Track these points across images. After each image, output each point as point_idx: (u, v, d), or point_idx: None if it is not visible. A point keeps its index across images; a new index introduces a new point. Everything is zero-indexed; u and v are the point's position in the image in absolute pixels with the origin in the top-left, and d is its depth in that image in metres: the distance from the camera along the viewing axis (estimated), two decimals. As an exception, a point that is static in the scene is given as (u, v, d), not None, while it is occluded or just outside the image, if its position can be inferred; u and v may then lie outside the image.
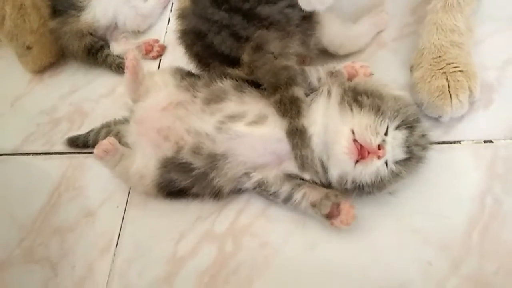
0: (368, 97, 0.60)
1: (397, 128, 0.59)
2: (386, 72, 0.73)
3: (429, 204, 0.63)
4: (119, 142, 0.76)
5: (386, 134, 0.58)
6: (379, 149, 0.57)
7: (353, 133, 0.59)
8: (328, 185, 0.65)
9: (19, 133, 0.98)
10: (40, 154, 0.94)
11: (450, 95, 0.64)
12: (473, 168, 0.64)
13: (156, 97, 0.74)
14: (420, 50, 0.69)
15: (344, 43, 0.76)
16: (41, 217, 0.86)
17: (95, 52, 0.95)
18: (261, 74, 0.66)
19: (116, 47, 0.96)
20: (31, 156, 0.95)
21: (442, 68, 0.65)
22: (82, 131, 0.92)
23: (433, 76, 0.66)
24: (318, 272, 0.64)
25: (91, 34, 0.95)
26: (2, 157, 0.97)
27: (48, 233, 0.83)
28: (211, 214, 0.74)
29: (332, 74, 0.68)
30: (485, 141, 0.66)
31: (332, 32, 0.73)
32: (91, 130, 0.87)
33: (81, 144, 0.88)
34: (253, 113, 0.66)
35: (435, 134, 0.66)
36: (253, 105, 0.68)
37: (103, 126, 0.85)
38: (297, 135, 0.62)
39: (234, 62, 0.69)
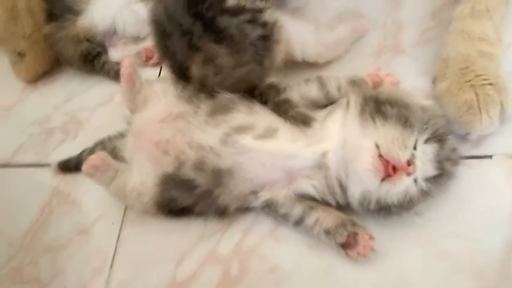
0: (392, 107, 0.54)
1: (426, 141, 0.53)
2: (405, 81, 0.67)
3: (459, 225, 0.57)
4: (116, 158, 0.71)
5: (415, 148, 0.53)
6: (409, 165, 0.51)
7: (378, 147, 0.53)
8: (346, 206, 0.59)
9: (10, 144, 0.94)
10: (31, 166, 0.89)
11: (480, 110, 0.58)
12: (507, 185, 0.58)
13: (154, 108, 0.68)
14: (444, 60, 0.64)
15: (322, 52, 0.71)
16: (31, 234, 0.80)
17: (92, 58, 0.90)
18: (227, 89, 0.64)
19: (115, 54, 0.92)
20: (22, 168, 0.90)
21: (470, 81, 0.59)
22: (77, 142, 0.88)
23: (460, 89, 0.60)
24: (334, 300, 0.58)
25: (88, 40, 0.91)
26: (-8, 168, 0.91)
27: (38, 251, 0.78)
28: (215, 233, 0.68)
29: (354, 83, 0.62)
30: (519, 156, 0.60)
31: (305, 43, 0.69)
32: (84, 151, 0.80)
33: (73, 166, 0.81)
34: (262, 125, 0.61)
35: (463, 148, 0.60)
36: (263, 116, 0.62)
37: (96, 144, 0.79)
38: (282, 104, 0.60)
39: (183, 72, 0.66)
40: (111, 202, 0.76)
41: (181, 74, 0.66)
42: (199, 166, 0.61)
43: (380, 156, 0.52)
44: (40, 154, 0.90)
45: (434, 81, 0.64)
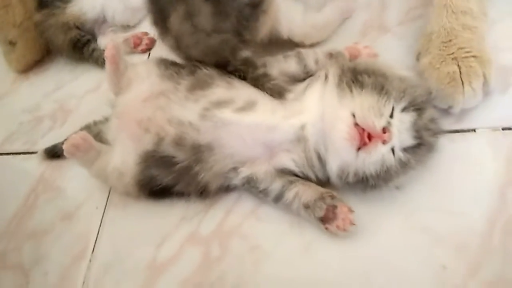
0: (369, 76, 0.53)
1: (404, 110, 0.52)
2: (390, 59, 0.65)
3: (442, 199, 0.55)
4: (101, 142, 0.71)
5: (391, 116, 0.51)
6: (384, 132, 0.50)
7: (354, 116, 0.52)
8: (326, 181, 0.58)
9: (0, 133, 0.94)
10: (20, 153, 0.90)
11: (462, 82, 0.57)
12: (490, 159, 0.56)
13: (137, 89, 0.68)
14: (427, 35, 0.63)
15: (309, 33, 0.70)
16: (16, 220, 0.80)
17: (81, 46, 0.91)
18: (198, 55, 0.63)
19: (104, 41, 0.92)
20: (10, 156, 0.90)
21: (452, 53, 0.58)
22: (65, 129, 0.88)
23: (442, 61, 0.59)
24: (314, 278, 0.56)
25: (77, 27, 0.91)
26: (-19, 157, 0.91)
27: (23, 237, 0.77)
28: (196, 214, 0.67)
29: (331, 56, 0.62)
30: (503, 129, 0.58)
31: (293, 22, 0.68)
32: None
33: (59, 153, 0.81)
34: (241, 99, 0.60)
35: (447, 122, 0.59)
36: (242, 90, 0.61)
37: (82, 129, 0.79)
38: (259, 78, 0.59)
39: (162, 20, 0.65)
40: (96, 187, 0.76)
41: (160, 23, 0.65)
42: (179, 141, 0.60)
43: (356, 124, 0.51)
44: (28, 142, 0.90)
45: (418, 56, 0.63)
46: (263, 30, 0.64)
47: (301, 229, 0.60)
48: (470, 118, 0.59)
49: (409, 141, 0.52)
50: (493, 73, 0.57)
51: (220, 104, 0.60)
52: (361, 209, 0.56)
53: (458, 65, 0.57)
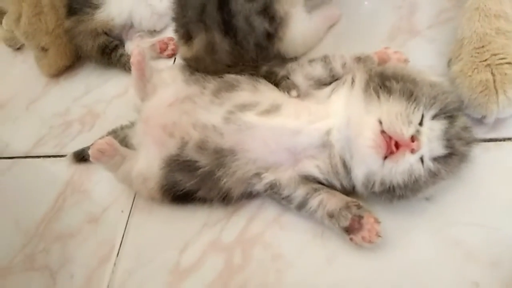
0: (398, 82, 0.51)
1: (434, 117, 0.50)
2: (420, 64, 0.63)
3: (475, 212, 0.53)
4: (126, 146, 0.72)
5: (421, 124, 0.49)
6: (413, 141, 0.48)
7: (381, 123, 0.50)
8: (351, 190, 0.56)
9: (32, 136, 0.97)
10: (49, 156, 0.92)
11: (496, 90, 0.54)
12: (527, 169, 0.53)
13: (163, 94, 0.69)
14: (459, 41, 0.60)
15: (305, 42, 0.70)
16: (45, 222, 0.82)
17: (109, 51, 0.92)
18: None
19: (131, 46, 0.93)
20: (41, 159, 0.93)
21: (486, 60, 0.55)
22: (93, 132, 0.90)
23: (475, 69, 0.56)
24: (337, 290, 0.54)
25: (106, 33, 0.93)
26: (13, 160, 0.95)
27: (51, 239, 0.79)
28: (219, 221, 0.66)
29: (359, 60, 0.60)
30: (541, 137, 0.55)
31: (298, 33, 0.67)
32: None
33: (87, 156, 0.80)
34: (266, 102, 0.59)
35: (480, 130, 0.56)
36: (267, 94, 0.61)
37: (109, 133, 0.80)
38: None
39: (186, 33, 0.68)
40: (122, 191, 0.77)
41: (184, 34, 0.67)
42: (202, 146, 0.60)
43: (383, 132, 0.49)
44: (58, 145, 0.92)
45: (449, 63, 0.60)
46: (277, 52, 0.65)
47: (325, 239, 0.58)
48: (505, 126, 0.56)
49: (439, 150, 0.49)
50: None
51: (244, 107, 0.59)
52: (389, 221, 0.54)
53: (492, 73, 0.54)
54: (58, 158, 0.89)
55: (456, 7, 0.66)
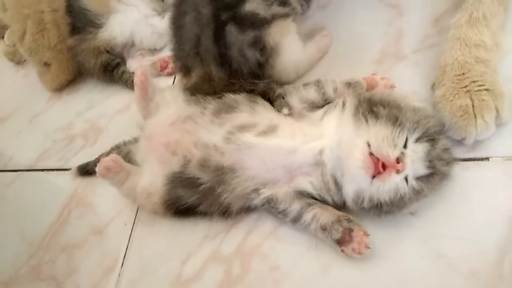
0: (384, 107, 0.56)
1: (417, 140, 0.55)
2: (406, 87, 0.68)
3: (456, 226, 0.57)
4: (129, 162, 0.75)
5: (405, 147, 0.54)
6: (398, 162, 0.53)
7: (369, 145, 0.54)
8: (342, 205, 0.61)
9: (35, 150, 1.00)
10: (53, 170, 0.95)
11: (475, 115, 0.58)
12: (503, 187, 0.58)
13: (165, 113, 0.72)
14: (442, 67, 0.65)
15: (297, 69, 0.75)
16: (50, 234, 0.85)
17: (111, 69, 0.95)
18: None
19: (132, 64, 0.96)
20: (45, 172, 0.95)
21: (466, 86, 0.60)
22: (96, 147, 0.92)
23: (456, 94, 0.60)
24: (331, 299, 0.59)
25: (108, 51, 0.96)
26: (18, 173, 0.98)
27: (56, 251, 0.82)
28: (219, 233, 0.70)
29: (349, 85, 0.64)
30: (517, 158, 0.60)
31: (290, 61, 0.72)
32: (101, 155, 0.84)
33: (91, 170, 0.86)
34: (263, 123, 0.64)
35: (460, 150, 0.61)
36: (264, 115, 0.65)
37: (112, 149, 0.84)
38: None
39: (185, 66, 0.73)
40: (125, 204, 0.80)
41: (182, 67, 0.71)
42: (204, 164, 0.64)
43: (371, 154, 0.54)
44: (62, 159, 0.95)
45: (433, 87, 0.65)
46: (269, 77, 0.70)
47: (319, 251, 0.62)
48: (483, 147, 0.60)
49: (422, 170, 0.54)
50: (506, 106, 0.58)
51: (243, 128, 0.63)
52: (377, 234, 0.58)
53: (471, 99, 0.59)
54: (62, 172, 0.92)
55: (440, 33, 0.71)
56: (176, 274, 0.69)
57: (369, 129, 0.55)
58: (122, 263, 0.75)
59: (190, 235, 0.72)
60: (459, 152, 0.60)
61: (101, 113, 0.98)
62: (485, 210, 0.57)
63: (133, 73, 0.94)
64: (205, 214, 0.69)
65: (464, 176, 0.59)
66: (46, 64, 1.02)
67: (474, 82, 0.60)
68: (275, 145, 0.61)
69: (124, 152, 0.80)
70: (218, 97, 0.68)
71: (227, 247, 0.68)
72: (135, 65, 0.96)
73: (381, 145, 0.53)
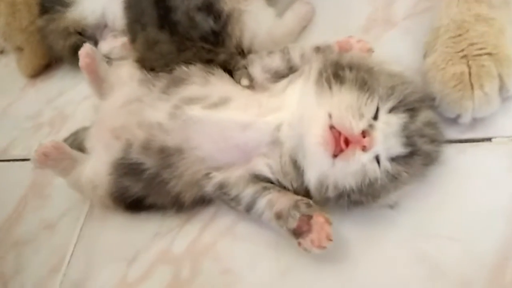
0: (351, 70, 0.45)
1: (391, 110, 0.43)
2: (396, 58, 0.57)
3: (446, 223, 0.45)
4: (82, 150, 0.67)
5: (376, 118, 0.43)
6: (364, 137, 0.41)
7: (330, 117, 0.43)
8: (305, 194, 0.49)
9: (4, 139, 0.94)
10: (18, 160, 0.88)
11: (472, 85, 0.46)
12: (508, 175, 0.45)
13: (117, 94, 0.64)
14: (435, 30, 0.53)
15: (269, 45, 0.62)
16: (5, 228, 0.77)
17: (82, 52, 0.88)
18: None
19: (105, 47, 0.88)
20: (10, 162, 0.89)
21: (462, 50, 0.48)
22: (61, 135, 0.85)
23: (449, 61, 0.49)
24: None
25: (79, 33, 0.88)
26: (-16, 163, 0.91)
27: (8, 246, 0.74)
28: (171, 230, 0.61)
29: (319, 50, 0.54)
30: (526, 138, 0.47)
31: (257, 35, 0.61)
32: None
33: None
34: (215, 95, 0.54)
35: (456, 130, 0.49)
36: (218, 87, 0.56)
37: (71, 135, 0.76)
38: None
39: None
40: (80, 196, 0.71)
41: (129, 37, 0.65)
42: (146, 146, 0.55)
43: (332, 127, 0.43)
44: (26, 148, 0.88)
45: (425, 56, 0.54)
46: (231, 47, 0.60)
47: (278, 251, 0.52)
48: (484, 125, 0.49)
49: (398, 149, 0.43)
50: (513, 73, 0.46)
51: (191, 100, 0.54)
52: (350, 232, 0.48)
53: (468, 65, 0.47)
54: (26, 162, 0.85)
55: (435, -5, 0.60)
56: (121, 275, 0.60)
57: (332, 97, 0.44)
58: (69, 262, 0.66)
59: (141, 231, 0.62)
60: (453, 132, 0.48)
61: (69, 100, 0.91)
62: (483, 203, 0.45)
63: (104, 56, 0.87)
64: (158, 208, 0.60)
65: (459, 161, 0.48)
66: (19, 48, 0.96)
67: (472, 44, 0.48)
68: (225, 118, 0.51)
69: (81, 138, 0.72)
70: (169, 71, 0.59)
71: (178, 245, 0.59)
72: (107, 47, 0.88)
73: (343, 116, 0.42)
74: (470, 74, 0.46)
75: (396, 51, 0.58)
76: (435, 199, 0.47)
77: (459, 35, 0.49)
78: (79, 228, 0.69)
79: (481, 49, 0.47)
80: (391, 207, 0.47)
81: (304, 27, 0.68)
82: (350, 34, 0.58)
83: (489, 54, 0.47)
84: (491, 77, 0.46)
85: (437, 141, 0.44)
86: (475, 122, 0.48)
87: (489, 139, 0.48)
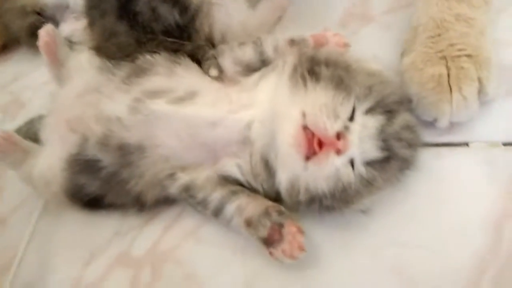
0: (328, 67, 0.42)
1: (368, 111, 0.41)
2: (373, 55, 0.54)
3: (420, 232, 0.43)
4: (36, 141, 0.62)
5: (351, 119, 0.40)
6: (339, 139, 0.39)
7: (304, 116, 0.41)
8: (275, 197, 0.47)
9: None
10: (-32, 149, 0.81)
11: (450, 87, 0.45)
12: (486, 181, 0.44)
13: (75, 82, 0.59)
14: (413, 28, 0.51)
15: (241, 37, 0.58)
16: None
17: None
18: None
19: (65, 29, 0.82)
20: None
21: (441, 51, 0.47)
22: (15, 123, 0.78)
23: (427, 61, 0.47)
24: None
25: (38, 13, 0.82)
26: None
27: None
28: (132, 229, 0.56)
29: (293, 43, 0.50)
30: (504, 144, 0.46)
31: (229, 28, 0.57)
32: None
33: None
34: (181, 88, 0.50)
35: (432, 133, 0.47)
36: (185, 79, 0.51)
37: (26, 123, 0.70)
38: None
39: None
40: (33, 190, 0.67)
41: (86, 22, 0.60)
42: (104, 142, 0.51)
43: (305, 127, 0.40)
44: (-23, 137, 0.82)
45: (402, 55, 0.51)
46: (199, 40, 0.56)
47: (246, 256, 0.48)
48: (462, 129, 0.47)
49: (374, 153, 0.40)
50: (493, 77, 0.45)
51: (155, 94, 0.50)
52: (318, 238, 0.45)
53: (447, 66, 0.45)
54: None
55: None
56: (76, 277, 0.56)
57: (307, 95, 0.41)
58: (20, 262, 0.61)
59: (100, 230, 0.58)
60: (429, 135, 0.46)
61: (27, 85, 0.85)
62: (459, 212, 0.43)
63: (65, 38, 0.81)
64: (115, 205, 0.56)
65: (435, 165, 0.46)
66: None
67: (452, 45, 0.46)
68: (192, 114, 0.48)
69: (35, 128, 0.66)
70: (131, 60, 0.54)
71: (139, 247, 0.55)
72: (68, 30, 0.81)
73: (318, 115, 0.39)
74: (449, 76, 0.45)
75: (373, 48, 0.56)
76: (409, 205, 0.45)
77: (439, 34, 0.48)
78: (32, 225, 0.63)
79: (460, 50, 0.46)
80: (364, 212, 0.44)
81: (279, 18, 0.65)
82: (325, 27, 0.55)
83: (469, 56, 0.46)
84: (471, 80, 0.44)
85: (415, 145, 0.42)
86: (452, 125, 0.46)
87: (466, 144, 0.46)
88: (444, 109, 0.44)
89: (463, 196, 0.44)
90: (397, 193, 0.44)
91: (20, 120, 0.78)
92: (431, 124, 0.47)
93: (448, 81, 0.45)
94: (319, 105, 0.39)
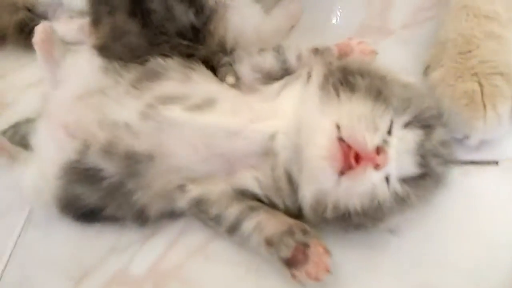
0: (363, 78, 0.40)
1: (407, 125, 0.39)
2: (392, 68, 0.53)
3: (449, 254, 0.42)
4: (24, 145, 0.58)
5: (389, 132, 0.38)
6: (378, 153, 0.36)
7: (338, 128, 0.38)
8: (297, 212, 0.44)
9: None
10: None
11: (484, 104, 0.44)
12: (517, 201, 0.43)
13: (74, 83, 0.56)
14: (441, 43, 0.50)
15: (255, 44, 0.57)
16: None
17: (29, 31, 0.75)
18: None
19: (58, 28, 0.77)
20: None
21: (472, 68, 0.46)
22: (-2, 126, 0.74)
23: (459, 77, 0.46)
24: None
25: (28, 9, 0.78)
26: None
27: None
28: (130, 245, 0.52)
29: (317, 52, 0.49)
30: (536, 162, 0.45)
31: (243, 34, 0.56)
32: None
33: None
34: (198, 95, 0.47)
35: (460, 150, 0.45)
36: (201, 85, 0.49)
37: (11, 127, 0.66)
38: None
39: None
40: (17, 197, 0.60)
41: (92, 19, 0.56)
42: (109, 149, 0.47)
43: (341, 139, 0.38)
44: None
45: (427, 70, 0.51)
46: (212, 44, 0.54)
47: (260, 276, 0.45)
48: (491, 147, 0.46)
49: (411, 169, 0.38)
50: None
51: (169, 100, 0.47)
52: (343, 257, 0.43)
53: (480, 83, 0.45)
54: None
55: (437, 6, 0.57)
56: (65, 298, 0.51)
57: (341, 105, 0.39)
58: (0, 277, 0.56)
59: (94, 245, 0.54)
60: (457, 153, 0.45)
61: (11, 85, 0.80)
62: (490, 230, 0.42)
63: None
64: (114, 219, 0.52)
65: (463, 184, 0.44)
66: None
67: (483, 62, 0.46)
68: (211, 123, 0.45)
69: (22, 132, 0.62)
70: (141, 62, 0.51)
71: (138, 265, 0.51)
72: (60, 28, 0.77)
73: (356, 127, 0.37)
74: (482, 93, 0.44)
75: (391, 62, 0.54)
76: (437, 224, 0.43)
77: (469, 51, 0.47)
78: (16, 236, 0.59)
79: (492, 67, 0.45)
80: (391, 231, 0.42)
81: (292, 26, 0.63)
82: (341, 39, 0.54)
83: (501, 74, 0.45)
84: (504, 98, 0.44)
85: (450, 162, 0.41)
86: (481, 143, 0.46)
87: (495, 162, 0.45)
88: (477, 126, 0.44)
89: (492, 215, 0.43)
90: (424, 211, 0.43)
91: (3, 122, 0.73)
92: (458, 140, 0.46)
93: (482, 98, 0.44)
94: (357, 116, 0.37)
